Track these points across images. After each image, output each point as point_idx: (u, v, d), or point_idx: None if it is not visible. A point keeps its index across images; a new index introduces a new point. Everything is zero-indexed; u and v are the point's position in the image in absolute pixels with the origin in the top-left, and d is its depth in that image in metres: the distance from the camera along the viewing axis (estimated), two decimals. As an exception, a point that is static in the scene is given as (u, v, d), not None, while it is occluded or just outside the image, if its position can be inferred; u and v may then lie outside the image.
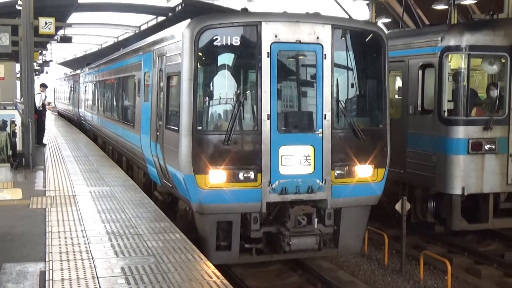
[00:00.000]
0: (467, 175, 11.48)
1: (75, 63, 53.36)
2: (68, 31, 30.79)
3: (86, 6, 26.63)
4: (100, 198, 11.66)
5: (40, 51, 32.13)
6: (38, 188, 13.04)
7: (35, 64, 24.47)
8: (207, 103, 9.23)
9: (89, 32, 45.88)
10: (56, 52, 53.61)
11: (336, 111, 9.12)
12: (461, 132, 10.39)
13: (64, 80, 47.35)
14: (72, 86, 35.78)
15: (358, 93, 10.03)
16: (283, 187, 8.80)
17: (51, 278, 6.72)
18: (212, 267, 7.22)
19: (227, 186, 8.62)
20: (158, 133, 10.76)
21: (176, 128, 9.09)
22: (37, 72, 40.64)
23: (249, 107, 8.99)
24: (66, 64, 61.52)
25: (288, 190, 8.85)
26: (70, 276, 6.82)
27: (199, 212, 8.92)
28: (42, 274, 6.93)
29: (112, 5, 31.21)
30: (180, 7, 25.37)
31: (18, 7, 17.79)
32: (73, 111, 35.50)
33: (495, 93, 11.80)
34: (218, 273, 7.03)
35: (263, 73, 8.70)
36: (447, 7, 25.90)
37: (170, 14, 27.08)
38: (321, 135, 8.96)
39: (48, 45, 34.20)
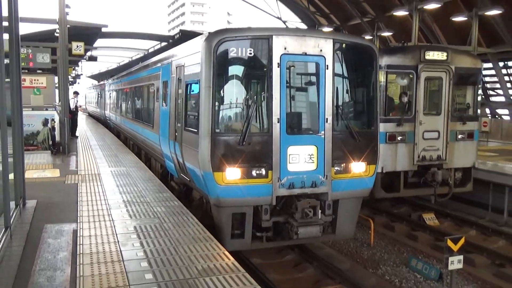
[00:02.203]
0: (385, 158, 11.66)
1: (100, 76, 52.51)
2: (94, 52, 30.30)
3: (108, 34, 26.27)
4: (118, 175, 11.50)
5: (73, 67, 31.52)
6: (71, 168, 12.84)
7: (69, 77, 23.99)
8: (223, 108, 8.12)
9: (110, 53, 45.24)
10: (85, 67, 52.82)
11: (336, 115, 8.21)
12: (382, 127, 10.51)
13: (93, 88, 46.58)
14: (99, 93, 34.99)
15: (354, 99, 9.11)
16: (290, 182, 7.93)
17: (81, 234, 6.73)
18: (202, 227, 7.23)
19: (242, 182, 7.70)
20: (176, 134, 9.55)
21: (195, 130, 8.08)
22: (70, 83, 39.90)
23: (261, 111, 7.97)
24: (92, 77, 60.57)
25: (295, 185, 7.96)
26: (95, 233, 6.82)
27: (216, 205, 7.97)
28: (75, 232, 6.91)
29: (127, 33, 31.13)
30: (178, 35, 25.26)
31: (56, 34, 17.50)
32: (100, 113, 34.56)
33: (405, 99, 12.04)
34: (205, 230, 7.02)
35: (273, 81, 7.77)
36: (371, 37, 26.60)
37: (170, 40, 26.83)
38: (323, 136, 8.08)
39: (79, 63, 33.58)
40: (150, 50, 32.38)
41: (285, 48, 7.82)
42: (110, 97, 26.94)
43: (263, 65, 7.90)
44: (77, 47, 17.70)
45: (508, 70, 24.27)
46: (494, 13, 18.83)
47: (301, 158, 8.01)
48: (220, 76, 7.82)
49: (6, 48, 7.24)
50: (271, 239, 8.44)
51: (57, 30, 17.28)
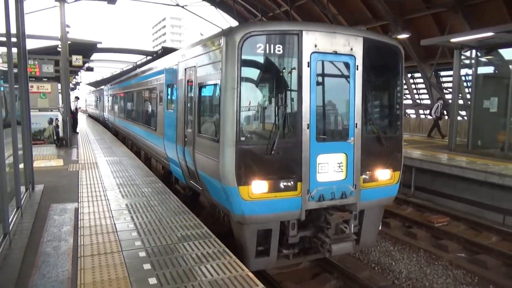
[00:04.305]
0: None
1: (96, 84, 50.77)
2: (91, 64, 29.24)
3: (102, 49, 25.35)
4: (112, 164, 11.18)
5: (73, 76, 30.31)
6: (73, 158, 12.36)
7: (70, 84, 23.11)
8: (249, 113, 5.84)
9: (104, 65, 43.80)
10: (84, 76, 50.93)
11: (364, 120, 6.21)
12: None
13: (92, 93, 44.89)
14: (98, 97, 33.44)
15: (381, 102, 7.03)
16: (320, 194, 5.87)
17: (82, 211, 6.54)
18: (181, 203, 7.03)
19: (269, 196, 5.60)
20: (186, 139, 7.26)
21: (215, 138, 5.83)
22: (71, 89, 38.46)
23: (290, 116, 5.76)
24: (90, 84, 58.55)
25: (325, 196, 5.91)
26: (94, 210, 6.64)
27: (241, 223, 5.77)
28: (76, 209, 6.70)
29: (118, 49, 30.26)
30: (160, 51, 24.82)
31: (58, 49, 16.85)
32: (99, 114, 32.60)
33: None
34: (184, 206, 6.93)
35: (303, 83, 5.67)
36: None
37: (154, 55, 26.29)
38: (352, 143, 6.08)
39: (79, 72, 32.30)
40: (137, 63, 31.58)
41: (315, 46, 5.76)
42: (109, 100, 24.58)
43: (292, 64, 5.78)
44: (76, 59, 17.19)
45: (414, 79, 25.36)
46: (404, 36, 19.51)
47: (330, 167, 5.98)
48: (245, 76, 5.63)
49: (15, 60, 6.95)
50: (297, 254, 6.38)
51: (59, 46, 16.69)
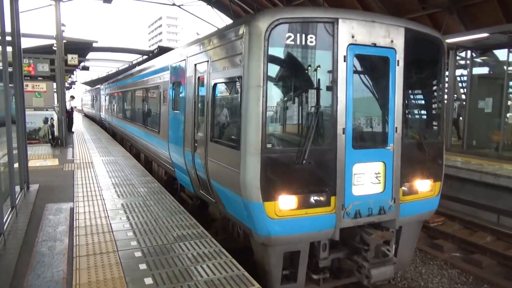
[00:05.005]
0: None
1: (92, 83, 50.59)
2: (86, 63, 29.11)
3: (98, 48, 25.25)
4: (108, 163, 11.13)
5: (68, 75, 30.12)
6: (68, 158, 12.29)
7: (65, 83, 23.00)
8: (277, 115, 4.90)
9: (100, 64, 43.66)
10: (80, 75, 50.75)
11: (404, 123, 5.29)
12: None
13: (88, 92, 44.42)
14: (94, 96, 32.31)
15: (422, 103, 6.07)
16: (356, 210, 4.99)
17: (77, 211, 6.49)
18: (177, 203, 7.01)
19: (299, 214, 4.70)
20: (196, 145, 6.37)
21: (234, 145, 4.91)
22: (67, 88, 38.26)
23: (324, 119, 4.88)
24: (86, 83, 58.38)
25: (361, 212, 5.02)
26: (89, 210, 6.60)
27: (265, 244, 4.86)
28: (72, 209, 6.66)
29: (114, 48, 30.15)
30: (156, 50, 24.73)
31: (54, 48, 16.77)
32: (95, 114, 31.78)
33: None
34: (180, 205, 6.91)
35: (339, 80, 4.76)
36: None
37: (150, 54, 26.21)
38: (392, 150, 5.18)
39: (74, 71, 32.12)
40: (133, 62, 31.47)
41: (352, 37, 4.83)
42: (106, 99, 23.42)
43: (327, 58, 4.83)
44: (72, 58, 17.07)
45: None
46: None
47: (366, 179, 5.08)
48: (273, 71, 4.71)
49: (10, 59, 6.91)
50: (328, 279, 5.44)
51: (55, 44, 16.63)
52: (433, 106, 6.09)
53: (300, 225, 4.73)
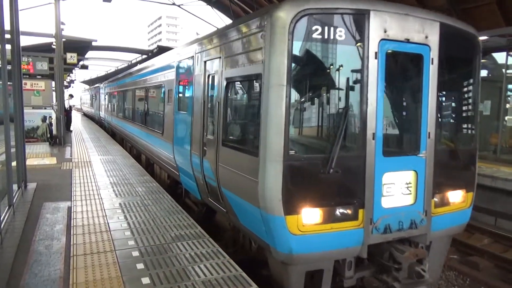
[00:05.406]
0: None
1: (91, 82, 50.54)
2: (85, 62, 29.08)
3: (97, 47, 25.24)
4: (106, 162, 11.10)
5: (67, 74, 30.12)
6: (66, 157, 12.26)
7: (64, 82, 22.99)
8: (301, 118, 4.36)
9: (99, 63, 43.65)
10: (79, 74, 50.64)
11: (438, 128, 4.80)
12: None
13: (87, 91, 44.13)
14: (93, 95, 31.91)
15: (456, 106, 5.47)
16: (386, 224, 4.49)
17: (75, 210, 6.48)
18: (175, 203, 7.00)
19: (324, 229, 4.23)
20: (205, 148, 5.87)
21: (250, 150, 4.44)
22: (65, 87, 38.30)
23: (353, 123, 4.42)
24: (85, 82, 58.35)
25: (391, 227, 4.52)
26: (87, 209, 6.58)
27: (286, 263, 4.36)
28: (69, 208, 6.64)
29: (114, 47, 30.15)
30: (155, 50, 24.73)
31: (53, 46, 16.75)
32: (94, 113, 31.29)
33: None
34: (178, 205, 6.91)
35: (369, 79, 4.27)
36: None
37: (149, 53, 26.20)
38: (425, 157, 4.68)
39: (73, 70, 32.11)
40: (134, 62, 31.44)
41: (385, 31, 4.33)
42: (106, 98, 22.72)
43: (356, 55, 4.31)
44: (71, 57, 17.06)
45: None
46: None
47: (396, 189, 4.60)
48: (297, 68, 4.20)
49: (9, 57, 6.90)
50: None
51: (54, 43, 16.60)
52: (467, 109, 5.51)
53: (324, 242, 4.28)
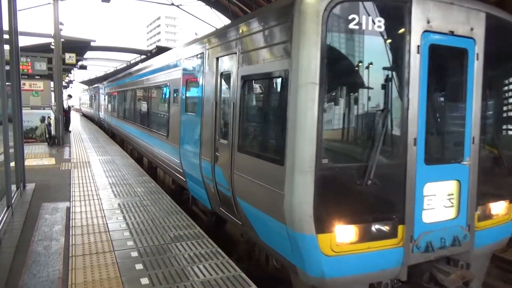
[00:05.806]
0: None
1: (90, 82, 50.51)
2: (84, 62, 29.10)
3: (96, 47, 25.24)
4: (105, 163, 11.10)
5: (66, 74, 30.10)
6: (65, 157, 12.24)
7: (63, 82, 22.99)
8: (335, 122, 3.82)
9: (98, 63, 43.66)
10: (77, 74, 50.65)
11: (482, 133, 4.27)
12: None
13: (86, 91, 44.03)
14: (93, 95, 31.53)
15: (500, 107, 4.83)
16: (427, 241, 3.95)
17: (74, 211, 6.48)
18: (174, 203, 7.01)
19: (360, 248, 3.69)
20: (218, 154, 5.32)
21: (274, 158, 3.89)
22: (64, 87, 38.30)
23: (393, 127, 3.84)
24: (83, 82, 58.36)
25: (433, 245, 3.98)
26: (86, 209, 6.59)
27: (316, 287, 3.86)
28: (68, 209, 6.63)
29: (112, 47, 30.15)
30: (154, 50, 24.75)
31: (52, 46, 16.75)
32: (93, 114, 30.80)
33: None
34: (177, 205, 6.91)
35: (411, 76, 3.73)
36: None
37: (148, 54, 26.23)
38: (469, 165, 4.15)
39: (72, 70, 32.12)
40: (131, 62, 31.44)
41: (428, 22, 3.78)
42: (105, 99, 22.10)
43: (397, 48, 3.77)
44: (70, 57, 17.08)
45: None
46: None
47: (437, 201, 4.06)
48: (331, 64, 3.53)
49: (7, 57, 6.89)
50: None
51: (53, 43, 16.61)
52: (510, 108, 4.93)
53: (360, 263, 3.74)
